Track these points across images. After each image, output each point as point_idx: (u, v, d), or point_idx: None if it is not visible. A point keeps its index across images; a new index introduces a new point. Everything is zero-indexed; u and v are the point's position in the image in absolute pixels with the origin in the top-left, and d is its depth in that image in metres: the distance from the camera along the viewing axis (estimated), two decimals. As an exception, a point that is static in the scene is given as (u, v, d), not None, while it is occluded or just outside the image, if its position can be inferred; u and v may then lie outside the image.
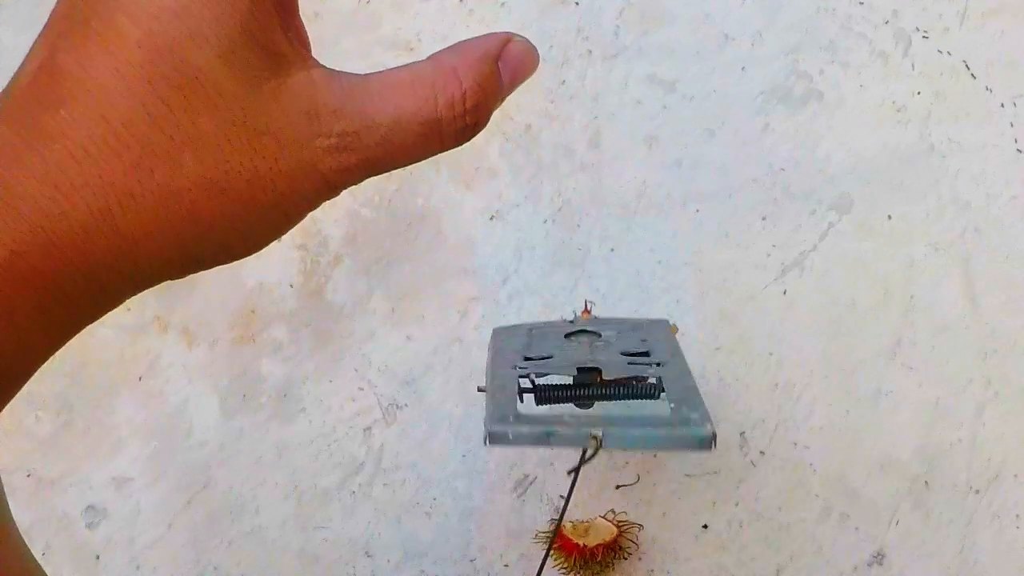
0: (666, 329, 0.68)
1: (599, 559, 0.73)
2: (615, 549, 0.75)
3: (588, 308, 0.72)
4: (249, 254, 0.36)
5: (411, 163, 0.36)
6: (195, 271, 0.35)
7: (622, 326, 0.68)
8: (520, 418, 0.58)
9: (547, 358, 0.65)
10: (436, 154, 0.37)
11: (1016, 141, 0.80)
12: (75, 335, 0.34)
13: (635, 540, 0.76)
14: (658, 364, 0.63)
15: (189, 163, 0.32)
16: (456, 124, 0.36)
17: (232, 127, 0.33)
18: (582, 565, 0.73)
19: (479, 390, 0.66)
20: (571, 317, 0.72)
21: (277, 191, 0.34)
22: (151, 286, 0.35)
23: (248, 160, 0.33)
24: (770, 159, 0.81)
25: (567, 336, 0.68)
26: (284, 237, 0.84)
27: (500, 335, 0.70)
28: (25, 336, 0.32)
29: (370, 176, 0.36)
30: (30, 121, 0.32)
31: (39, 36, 0.33)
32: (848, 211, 0.80)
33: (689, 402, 0.57)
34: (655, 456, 0.72)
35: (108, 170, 0.31)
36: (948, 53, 0.82)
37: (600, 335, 0.67)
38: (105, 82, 0.31)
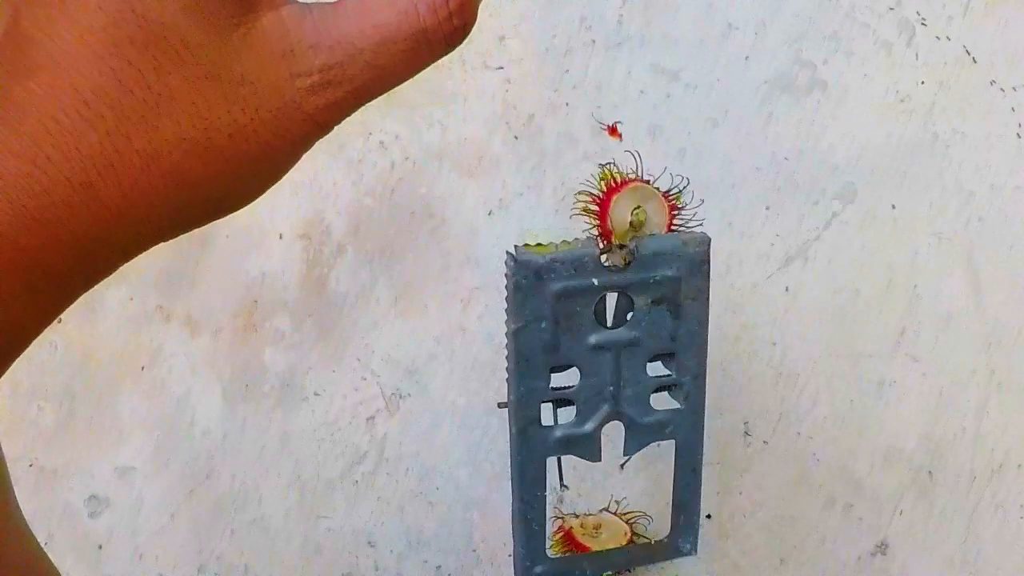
0: (702, 287, 0.64)
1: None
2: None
3: (615, 127, 0.68)
4: (243, 206, 0.35)
5: (403, 81, 0.35)
6: (188, 230, 0.35)
7: (658, 286, 0.62)
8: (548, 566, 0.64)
9: (571, 367, 0.62)
10: (427, 66, 0.35)
11: (1020, 130, 0.80)
12: (67, 307, 0.34)
13: (648, 536, 0.76)
14: (679, 388, 0.63)
15: (166, 125, 0.31)
16: (443, 30, 0.34)
17: (205, 82, 0.32)
18: None
19: (500, 406, 0.64)
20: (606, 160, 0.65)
21: (263, 141, 0.33)
22: (143, 251, 0.34)
23: (227, 114, 0.32)
24: (773, 149, 0.81)
25: (599, 297, 0.63)
26: (286, 228, 0.83)
27: (525, 305, 0.60)
28: (14, 316, 0.32)
29: (361, 105, 0.35)
30: (1, 94, 0.31)
31: (2, 2, 0.32)
32: (852, 201, 0.80)
33: (687, 514, 0.65)
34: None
35: (84, 141, 0.30)
36: (952, 42, 0.81)
37: (633, 303, 0.63)
38: (71, 49, 0.30)
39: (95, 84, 0.30)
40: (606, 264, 0.60)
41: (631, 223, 0.61)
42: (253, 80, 0.32)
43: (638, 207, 0.62)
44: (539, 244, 0.60)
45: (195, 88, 0.31)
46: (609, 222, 0.62)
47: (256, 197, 0.35)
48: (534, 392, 0.61)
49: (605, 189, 0.63)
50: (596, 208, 0.63)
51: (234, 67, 0.32)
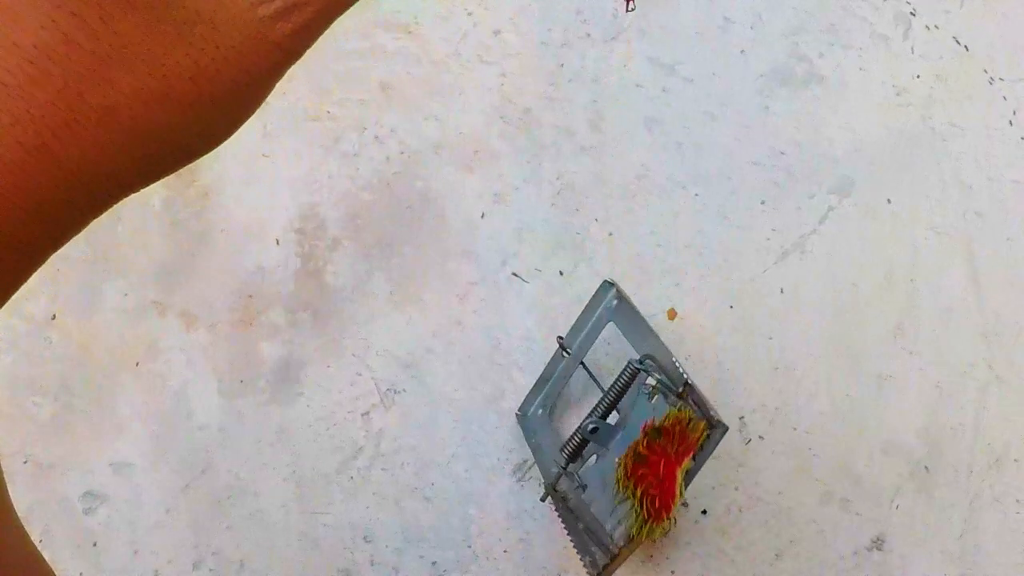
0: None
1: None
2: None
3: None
4: (215, 147, 0.33)
5: None
6: (158, 180, 0.32)
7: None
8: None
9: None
10: None
11: (1017, 124, 0.80)
12: (35, 272, 0.32)
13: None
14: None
15: (120, 77, 0.29)
16: None
17: (158, 25, 0.29)
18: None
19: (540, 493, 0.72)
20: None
21: (228, 79, 0.30)
22: (112, 205, 0.32)
23: (184, 56, 0.30)
24: (771, 142, 0.81)
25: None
26: (282, 222, 0.83)
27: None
28: None
29: (331, 23, 0.32)
30: None
31: None
32: (849, 194, 0.80)
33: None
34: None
35: (34, 102, 0.28)
36: (949, 35, 0.81)
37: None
38: (8, 4, 0.28)
39: (39, 40, 0.28)
40: None
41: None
42: (210, 17, 0.30)
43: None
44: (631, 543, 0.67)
45: (148, 34, 0.29)
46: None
47: (227, 137, 0.33)
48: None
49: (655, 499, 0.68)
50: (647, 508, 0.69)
51: (188, 5, 0.30)
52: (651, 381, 0.69)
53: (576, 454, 0.71)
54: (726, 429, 0.65)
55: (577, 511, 0.70)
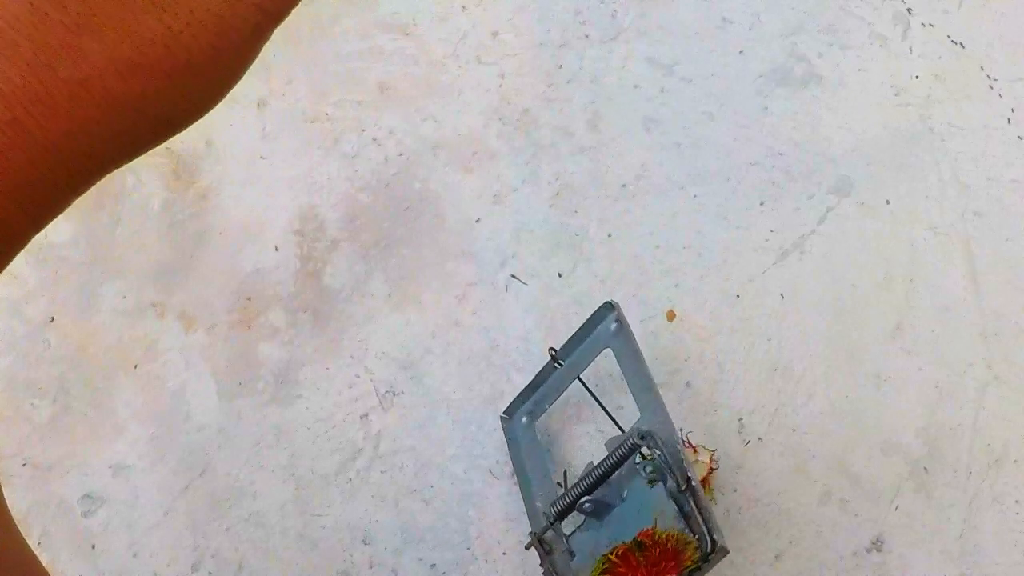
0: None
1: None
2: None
3: None
4: (200, 117, 0.32)
5: None
6: (140, 154, 0.31)
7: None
8: None
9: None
10: None
11: (1016, 124, 0.79)
12: (17, 254, 0.31)
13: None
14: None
15: (91, 47, 0.28)
16: None
17: None
18: None
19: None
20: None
21: (206, 45, 0.29)
22: (95, 182, 0.31)
23: (157, 23, 0.29)
24: (769, 142, 0.81)
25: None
26: (280, 223, 0.83)
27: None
28: None
29: None
30: None
31: None
32: (848, 194, 0.80)
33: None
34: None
35: (3, 77, 0.28)
36: (947, 35, 0.81)
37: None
38: None
39: (5, 11, 0.28)
40: None
41: None
42: None
43: None
44: None
45: (117, 0, 0.28)
46: None
47: (211, 107, 0.32)
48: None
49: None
50: None
51: None
52: (647, 454, 0.67)
53: (566, 513, 0.70)
54: (726, 552, 0.63)
55: (562, 574, 0.69)
